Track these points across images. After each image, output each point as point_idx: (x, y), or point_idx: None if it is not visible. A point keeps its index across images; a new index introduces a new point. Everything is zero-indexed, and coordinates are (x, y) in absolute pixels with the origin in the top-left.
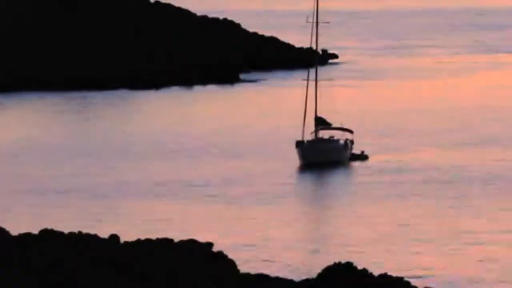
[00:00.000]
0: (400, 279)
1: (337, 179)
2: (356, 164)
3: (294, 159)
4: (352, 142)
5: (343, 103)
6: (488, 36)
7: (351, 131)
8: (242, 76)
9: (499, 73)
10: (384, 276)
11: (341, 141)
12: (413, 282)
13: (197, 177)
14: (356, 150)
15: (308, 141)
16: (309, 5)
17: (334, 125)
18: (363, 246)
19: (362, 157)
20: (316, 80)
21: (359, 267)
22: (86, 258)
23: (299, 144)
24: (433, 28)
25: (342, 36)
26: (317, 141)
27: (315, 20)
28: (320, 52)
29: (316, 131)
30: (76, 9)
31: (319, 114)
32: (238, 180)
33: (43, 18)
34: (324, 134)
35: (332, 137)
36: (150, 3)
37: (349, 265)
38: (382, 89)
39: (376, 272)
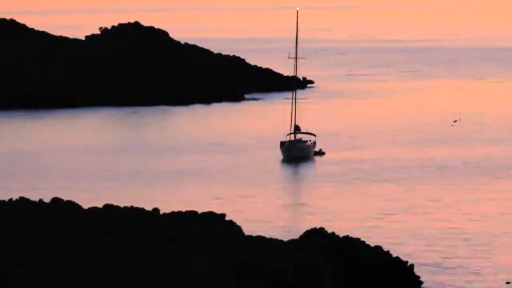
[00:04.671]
0: (357, 239)
1: (307, 168)
2: (317, 158)
3: (278, 154)
4: (315, 142)
5: (314, 114)
6: (423, 67)
7: (314, 135)
8: (246, 96)
9: (428, 92)
10: (346, 237)
11: (309, 142)
12: (367, 241)
13: (212, 166)
14: (316, 148)
15: (288, 142)
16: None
17: (303, 130)
18: (330, 215)
19: (320, 153)
20: (295, 99)
21: (329, 231)
22: (135, 224)
23: (282, 144)
24: (383, 61)
25: (318, 66)
26: (294, 142)
27: (294, 56)
28: (301, 79)
29: (290, 134)
30: (131, 49)
31: (296, 123)
32: (240, 168)
33: (110, 56)
34: (296, 136)
35: (300, 138)
36: (181, 44)
37: (321, 230)
38: (343, 105)
39: (341, 235)
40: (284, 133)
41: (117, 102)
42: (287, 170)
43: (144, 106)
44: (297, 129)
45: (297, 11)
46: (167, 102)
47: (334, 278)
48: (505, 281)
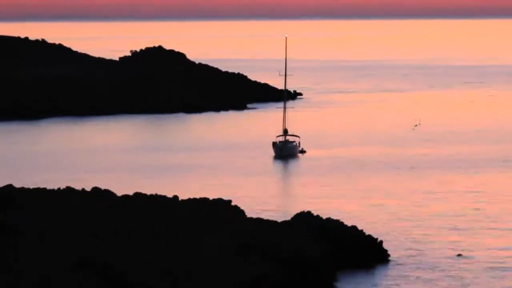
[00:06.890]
0: (337, 221)
1: (294, 163)
2: (300, 155)
3: (271, 152)
4: (299, 143)
5: (301, 121)
6: (389, 81)
7: (298, 136)
8: (248, 105)
9: (393, 102)
10: (329, 219)
11: (295, 142)
12: (345, 222)
13: (219, 162)
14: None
15: (279, 142)
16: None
17: (289, 133)
18: (315, 201)
19: (302, 151)
20: (285, 108)
21: (315, 214)
22: (158, 208)
23: (274, 144)
24: (357, 77)
25: (306, 81)
26: (284, 142)
27: (283, 74)
28: (292, 92)
29: (280, 136)
30: (156, 68)
31: (285, 127)
32: (240, 163)
33: (139, 73)
34: (284, 138)
35: (287, 140)
36: (196, 64)
37: (308, 213)
38: (323, 113)
39: (324, 217)
40: (275, 135)
41: (144, 110)
42: (278, 165)
43: (165, 114)
44: (285, 132)
45: (286, 37)
46: (184, 110)
47: (319, 252)
48: (456, 254)
